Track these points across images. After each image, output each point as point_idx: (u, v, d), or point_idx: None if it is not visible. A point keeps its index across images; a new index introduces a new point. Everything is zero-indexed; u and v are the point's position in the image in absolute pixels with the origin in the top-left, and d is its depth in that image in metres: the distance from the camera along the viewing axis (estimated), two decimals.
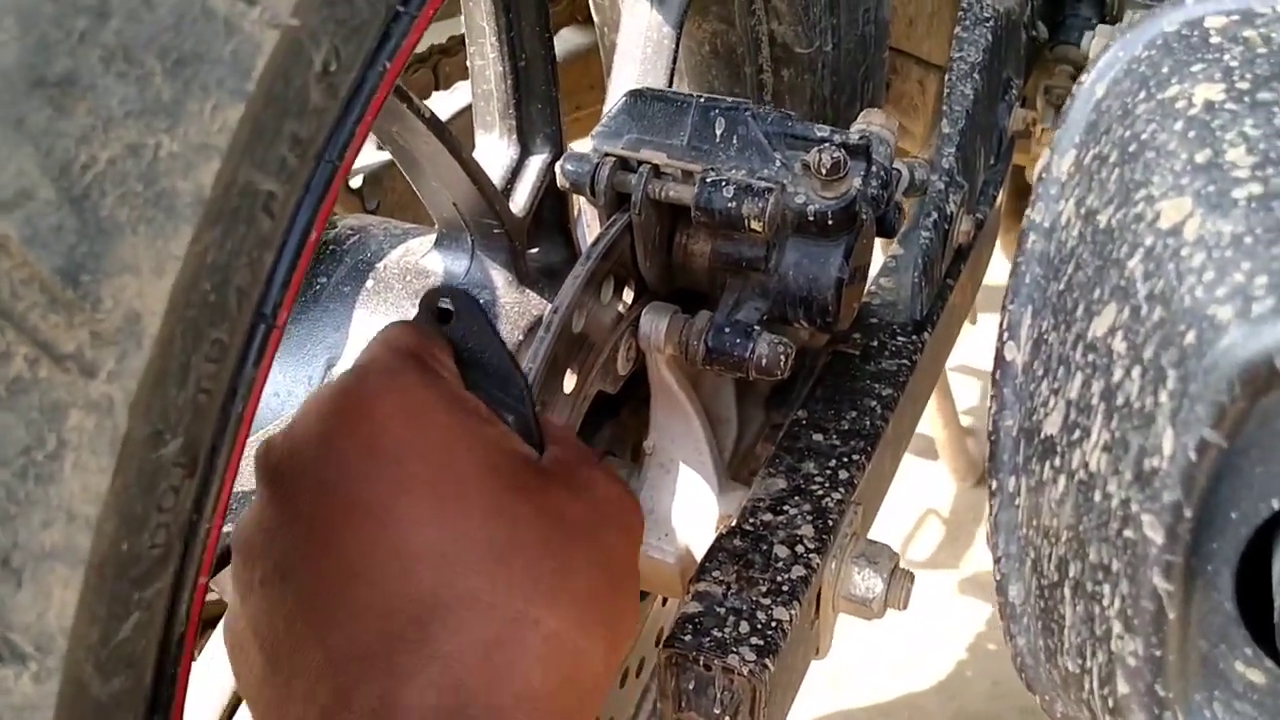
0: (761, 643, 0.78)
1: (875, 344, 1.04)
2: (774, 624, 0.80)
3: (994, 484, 0.53)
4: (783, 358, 0.84)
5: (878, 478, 1.00)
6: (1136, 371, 0.46)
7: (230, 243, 0.44)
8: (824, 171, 0.80)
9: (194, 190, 0.41)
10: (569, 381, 0.81)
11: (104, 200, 0.40)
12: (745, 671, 0.77)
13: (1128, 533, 0.46)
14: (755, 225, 0.80)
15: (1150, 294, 0.46)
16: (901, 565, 0.91)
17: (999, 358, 0.53)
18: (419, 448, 0.57)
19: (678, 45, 1.08)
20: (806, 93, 1.23)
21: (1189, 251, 0.45)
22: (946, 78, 1.14)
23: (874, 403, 0.98)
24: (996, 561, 0.54)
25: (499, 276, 0.90)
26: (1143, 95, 0.51)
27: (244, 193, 0.44)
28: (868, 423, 0.96)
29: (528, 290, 0.90)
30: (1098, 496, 0.47)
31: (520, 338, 0.87)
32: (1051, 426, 0.49)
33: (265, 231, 0.46)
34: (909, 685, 1.97)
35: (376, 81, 0.51)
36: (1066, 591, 0.47)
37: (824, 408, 0.98)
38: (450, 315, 0.65)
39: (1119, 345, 0.47)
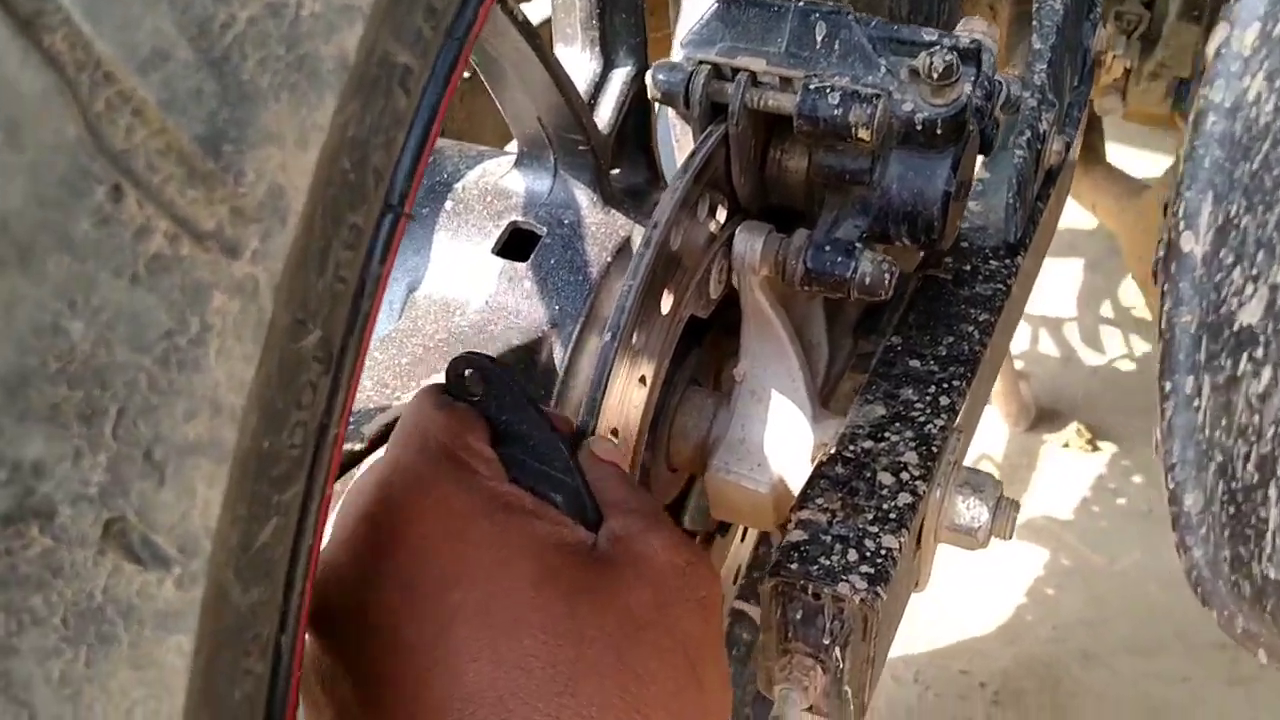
0: (872, 571, 0.75)
1: (968, 268, 1.00)
2: (883, 551, 0.77)
3: (1168, 385, 0.50)
4: (887, 276, 0.80)
5: (975, 404, 0.96)
6: None
7: (369, 117, 0.40)
8: (935, 76, 0.76)
9: (337, 55, 0.38)
10: (665, 302, 0.78)
11: (245, 63, 0.36)
12: (857, 600, 0.74)
13: None
14: (863, 134, 0.76)
15: None
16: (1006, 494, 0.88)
17: (1172, 250, 0.50)
18: (463, 573, 0.52)
19: None
20: (884, 9, 1.18)
21: None
22: None
23: (971, 328, 0.95)
24: (1169, 469, 0.51)
25: (583, 196, 0.87)
26: None
27: (382, 63, 0.40)
28: (965, 348, 0.93)
29: (613, 210, 0.87)
30: None
31: (609, 259, 0.84)
32: (1250, 316, 0.45)
33: (400, 109, 0.42)
34: (969, 630, 1.94)
35: None
36: (1272, 491, 0.44)
37: (919, 334, 0.94)
38: (479, 386, 0.60)
39: None
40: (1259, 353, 0.45)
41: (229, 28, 0.36)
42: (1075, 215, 2.33)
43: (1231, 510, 0.47)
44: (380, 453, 0.65)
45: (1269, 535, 0.45)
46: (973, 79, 0.78)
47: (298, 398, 0.40)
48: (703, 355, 0.96)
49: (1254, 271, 0.45)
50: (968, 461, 2.42)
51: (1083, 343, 2.73)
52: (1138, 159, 2.88)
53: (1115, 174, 1.79)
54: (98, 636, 0.36)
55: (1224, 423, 0.46)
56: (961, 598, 1.97)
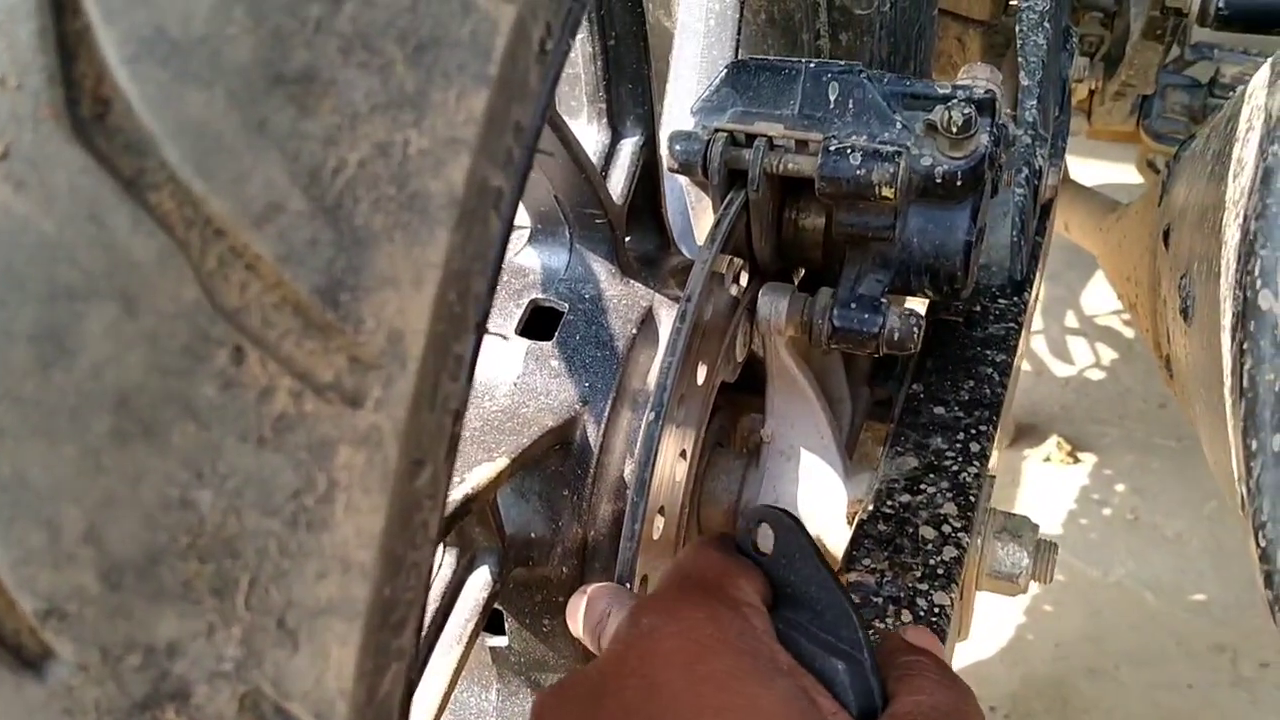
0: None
1: (978, 309, 1.00)
2: (937, 609, 0.76)
3: (1253, 443, 0.50)
4: (915, 330, 0.80)
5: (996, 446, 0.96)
6: None
7: (470, 247, 0.39)
8: (955, 130, 0.76)
9: (446, 190, 0.37)
10: (699, 373, 0.77)
11: (357, 207, 0.35)
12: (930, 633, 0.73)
13: None
14: (886, 192, 0.76)
15: None
16: (1042, 536, 0.88)
17: (1249, 308, 0.50)
18: (693, 708, 0.46)
19: (741, 14, 1.04)
20: (865, 56, 1.19)
21: None
22: (1018, 28, 1.11)
23: (989, 369, 0.95)
24: (1259, 527, 0.51)
25: (601, 269, 0.86)
26: None
27: (482, 190, 0.39)
28: (987, 391, 0.93)
29: (632, 281, 0.86)
30: None
31: (634, 331, 0.83)
32: None
33: (494, 233, 0.41)
34: (974, 654, 1.94)
35: (563, 59, 0.47)
36: None
37: (939, 379, 0.94)
38: (769, 542, 0.56)
39: None
40: None
41: (340, 172, 0.35)
42: None
43: None
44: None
45: None
46: (988, 129, 0.78)
47: (414, 539, 0.39)
48: (723, 417, 0.96)
49: None
50: None
51: (1052, 355, 2.76)
52: (1086, 166, 2.92)
53: (1085, 192, 1.81)
54: None
55: None
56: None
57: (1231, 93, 1.72)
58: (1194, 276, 0.73)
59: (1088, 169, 2.95)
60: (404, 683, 0.42)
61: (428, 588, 0.44)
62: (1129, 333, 2.88)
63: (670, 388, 0.71)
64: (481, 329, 0.44)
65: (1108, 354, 2.80)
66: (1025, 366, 2.69)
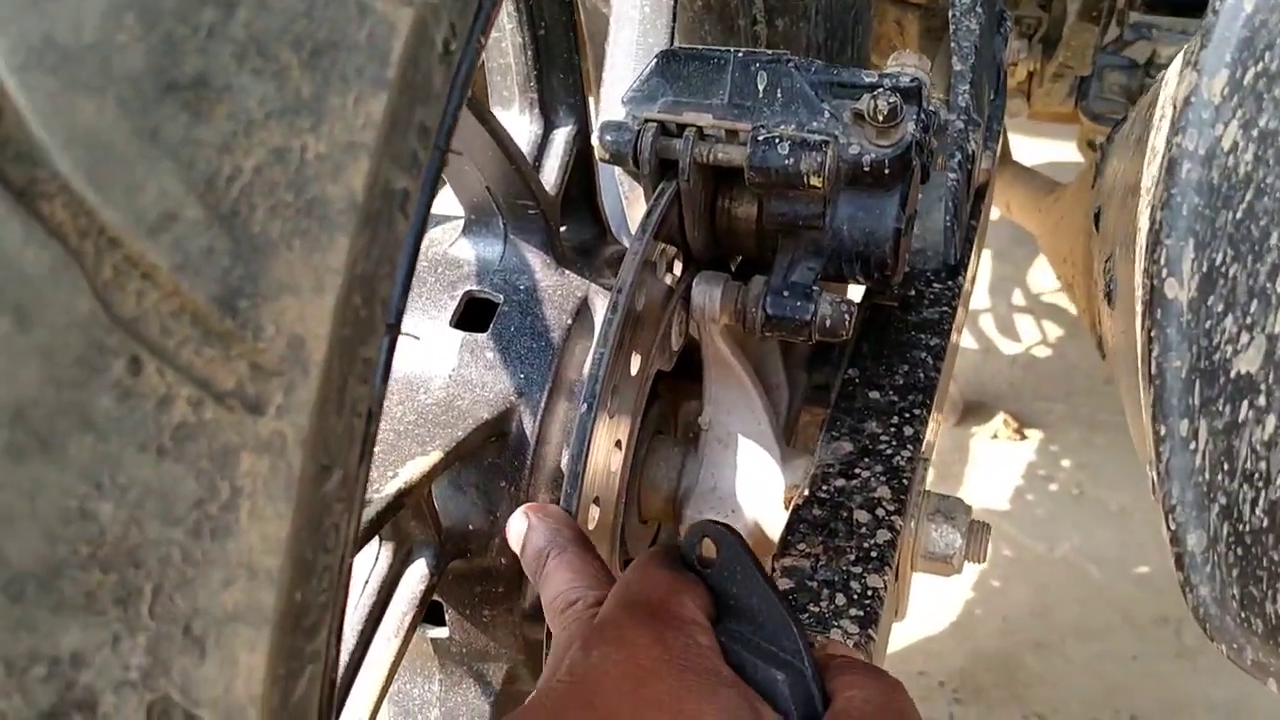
0: (862, 613, 0.76)
1: (913, 293, 1.01)
2: (870, 592, 0.77)
3: (1162, 429, 0.51)
4: (847, 316, 0.81)
5: (932, 429, 0.97)
6: None
7: (374, 250, 0.39)
8: (880, 118, 0.77)
9: (346, 195, 0.37)
10: (634, 363, 0.77)
11: (254, 214, 0.35)
12: (851, 645, 0.74)
13: None
14: (814, 181, 0.77)
15: None
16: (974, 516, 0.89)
17: (1156, 296, 0.51)
18: None
19: (676, 1, 1.03)
20: (801, 41, 1.19)
21: None
22: (950, 14, 1.12)
23: (924, 354, 0.96)
24: (1169, 511, 0.52)
25: (535, 259, 0.86)
26: None
27: (385, 193, 0.39)
28: (921, 375, 0.94)
29: (567, 271, 0.86)
30: None
31: (570, 321, 0.83)
32: (1248, 364, 0.46)
33: (400, 234, 0.41)
34: (922, 630, 1.97)
35: (473, 59, 0.47)
36: None
37: (874, 364, 0.95)
38: (712, 555, 0.57)
39: None
40: (1261, 400, 0.46)
41: (236, 179, 0.35)
42: None
43: (1239, 551, 0.48)
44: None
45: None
46: (914, 117, 0.79)
47: (324, 542, 0.39)
48: (663, 405, 0.96)
49: (1248, 320, 0.46)
50: None
51: (1000, 333, 2.78)
52: (1031, 145, 2.95)
53: (1025, 173, 1.83)
54: None
55: (1226, 467, 0.47)
56: (912, 598, 2.00)
57: None
58: (1116, 259, 0.74)
59: (1032, 147, 2.98)
60: (322, 685, 0.42)
61: (347, 588, 0.44)
62: (1074, 310, 2.92)
63: (602, 379, 0.71)
64: (395, 330, 0.44)
65: (1054, 331, 2.83)
66: (973, 344, 2.72)
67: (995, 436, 2.45)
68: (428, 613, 0.82)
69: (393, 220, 0.40)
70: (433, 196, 0.46)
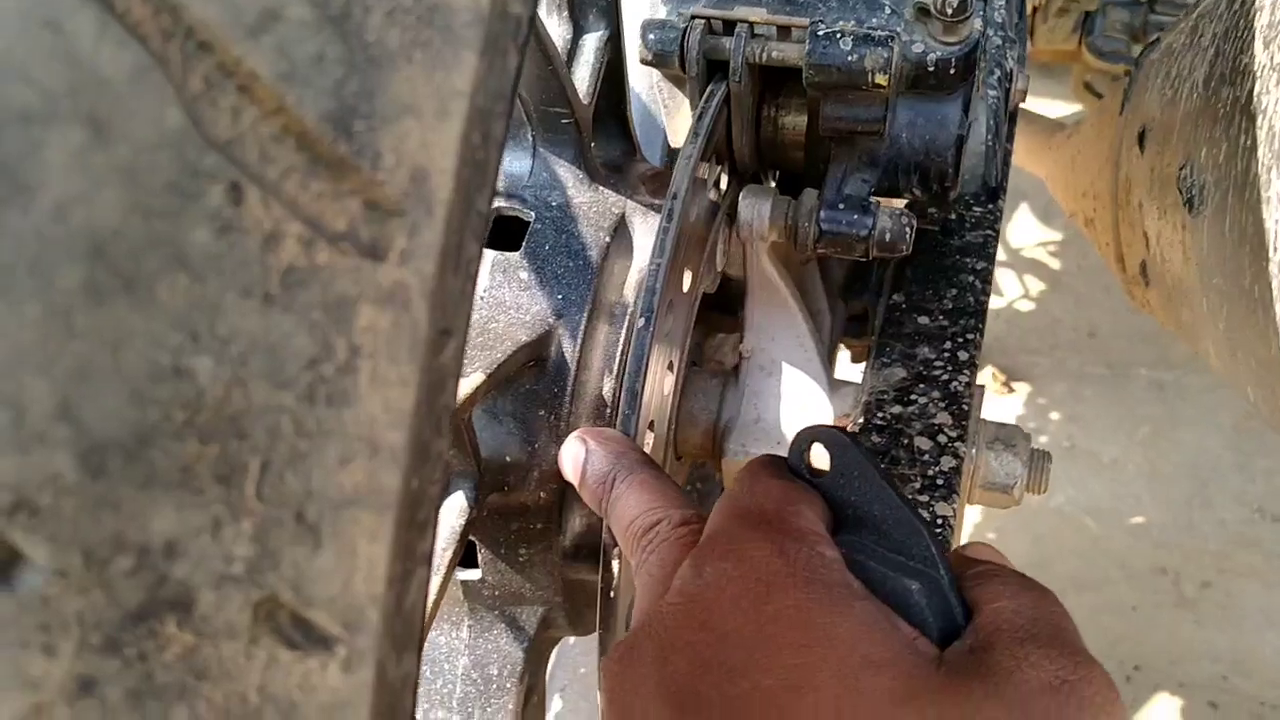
0: None
1: (954, 217, 0.96)
2: (939, 521, 0.73)
3: None
4: (908, 230, 0.76)
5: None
6: None
7: (492, 80, 0.34)
8: (950, 12, 0.71)
9: (472, 7, 0.31)
10: (685, 280, 0.72)
11: (370, 18, 0.29)
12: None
13: None
14: (879, 79, 0.71)
15: None
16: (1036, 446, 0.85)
17: None
18: (767, 649, 0.43)
19: None
20: None
21: None
22: None
23: (970, 277, 0.91)
24: None
25: (567, 174, 0.80)
26: None
27: (503, 15, 0.34)
28: (970, 299, 0.89)
29: (601, 187, 0.80)
30: None
31: (608, 239, 0.77)
32: None
33: (512, 71, 0.36)
34: None
35: None
36: None
37: (920, 289, 0.90)
38: (825, 463, 0.51)
39: None
40: None
41: None
42: None
43: None
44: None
45: None
46: (981, 14, 0.74)
47: (438, 425, 0.34)
48: (695, 337, 0.91)
49: None
50: None
51: None
52: None
53: (1027, 114, 1.79)
54: None
55: None
56: None
57: (1173, 10, 1.70)
58: (1202, 164, 0.70)
59: None
60: (424, 595, 0.37)
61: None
62: (1056, 264, 2.89)
63: (660, 291, 0.66)
64: (491, 183, 0.38)
65: (1036, 285, 2.80)
66: None
67: (983, 389, 2.42)
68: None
69: (507, 51, 0.34)
70: (528, 43, 0.40)
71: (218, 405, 0.28)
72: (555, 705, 1.78)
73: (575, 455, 0.61)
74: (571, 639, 1.80)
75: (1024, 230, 2.92)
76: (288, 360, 0.28)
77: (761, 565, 0.45)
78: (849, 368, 1.24)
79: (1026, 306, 2.76)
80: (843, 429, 0.51)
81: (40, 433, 0.26)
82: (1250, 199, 0.56)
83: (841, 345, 1.01)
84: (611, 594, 0.67)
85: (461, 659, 0.83)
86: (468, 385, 0.67)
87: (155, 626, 0.27)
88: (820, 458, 0.51)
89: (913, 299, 0.89)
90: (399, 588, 0.32)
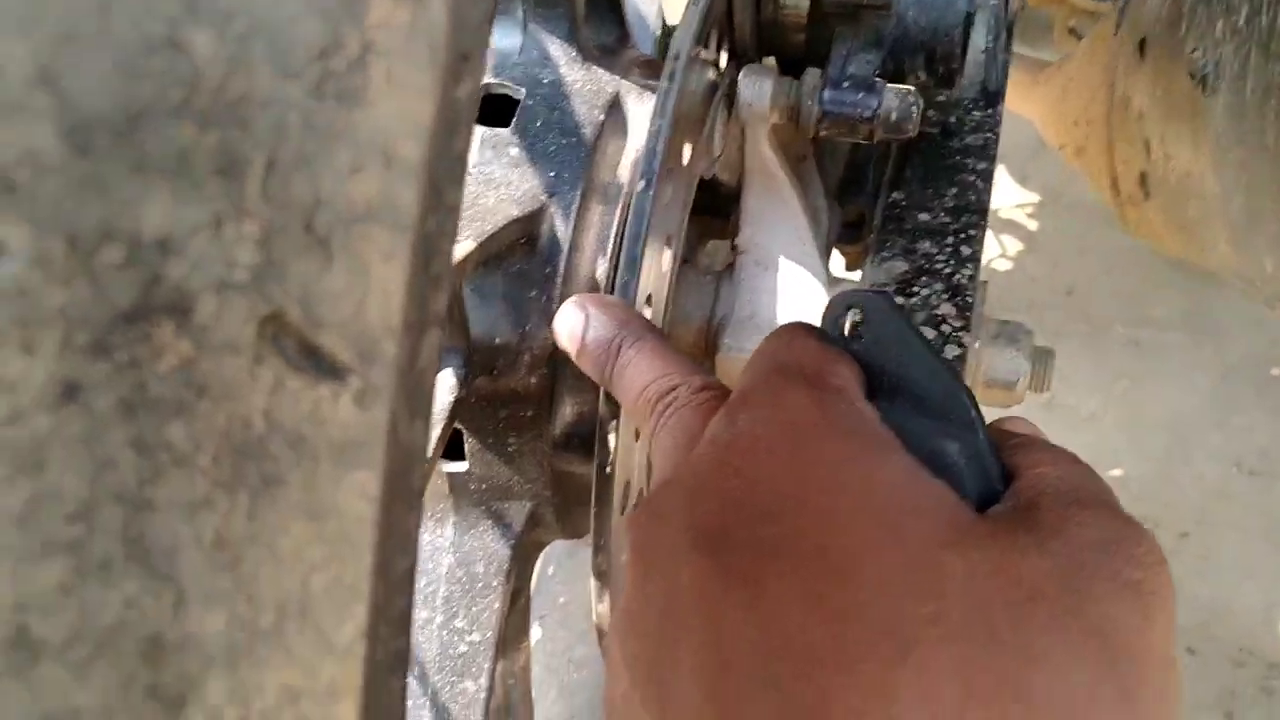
0: None
1: (953, 120, 0.94)
2: None
3: None
4: (914, 109, 0.74)
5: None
6: None
7: None
8: None
9: None
10: (685, 153, 0.69)
11: None
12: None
13: None
14: None
15: None
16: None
17: None
18: (803, 493, 0.40)
19: None
20: None
21: None
22: None
23: (971, 176, 0.89)
24: None
25: (559, 52, 0.77)
26: None
27: None
28: (972, 196, 0.87)
29: (593, 66, 0.77)
30: None
31: (602, 117, 0.74)
32: None
33: None
34: None
35: None
36: None
37: (920, 188, 0.88)
38: (861, 328, 0.48)
39: None
40: None
41: None
42: None
43: None
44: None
45: None
46: None
47: (454, 165, 0.31)
48: (692, 237, 0.88)
49: None
50: None
51: None
52: None
53: (1016, 55, 1.77)
54: (261, 478, 0.26)
55: None
56: None
57: None
58: (1218, 38, 0.68)
59: None
60: (438, 353, 0.34)
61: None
62: (1032, 225, 2.89)
63: (661, 152, 0.63)
64: None
65: (1013, 245, 2.80)
66: None
67: (987, 284, 2.41)
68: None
69: None
70: None
71: (217, 88, 0.25)
72: (535, 634, 1.76)
73: (573, 322, 0.59)
74: (550, 569, 1.78)
75: (1001, 192, 2.92)
76: (295, 47, 0.26)
77: (800, 414, 0.43)
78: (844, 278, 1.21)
79: (1004, 266, 2.76)
80: (882, 291, 0.48)
81: (17, 101, 0.23)
82: (1275, 49, 0.54)
83: (835, 250, 0.98)
84: (608, 470, 0.64)
85: (446, 557, 0.80)
86: (459, 250, 0.65)
87: (149, 330, 0.25)
88: (855, 323, 0.49)
89: (913, 197, 0.87)
90: (414, 337, 0.30)
